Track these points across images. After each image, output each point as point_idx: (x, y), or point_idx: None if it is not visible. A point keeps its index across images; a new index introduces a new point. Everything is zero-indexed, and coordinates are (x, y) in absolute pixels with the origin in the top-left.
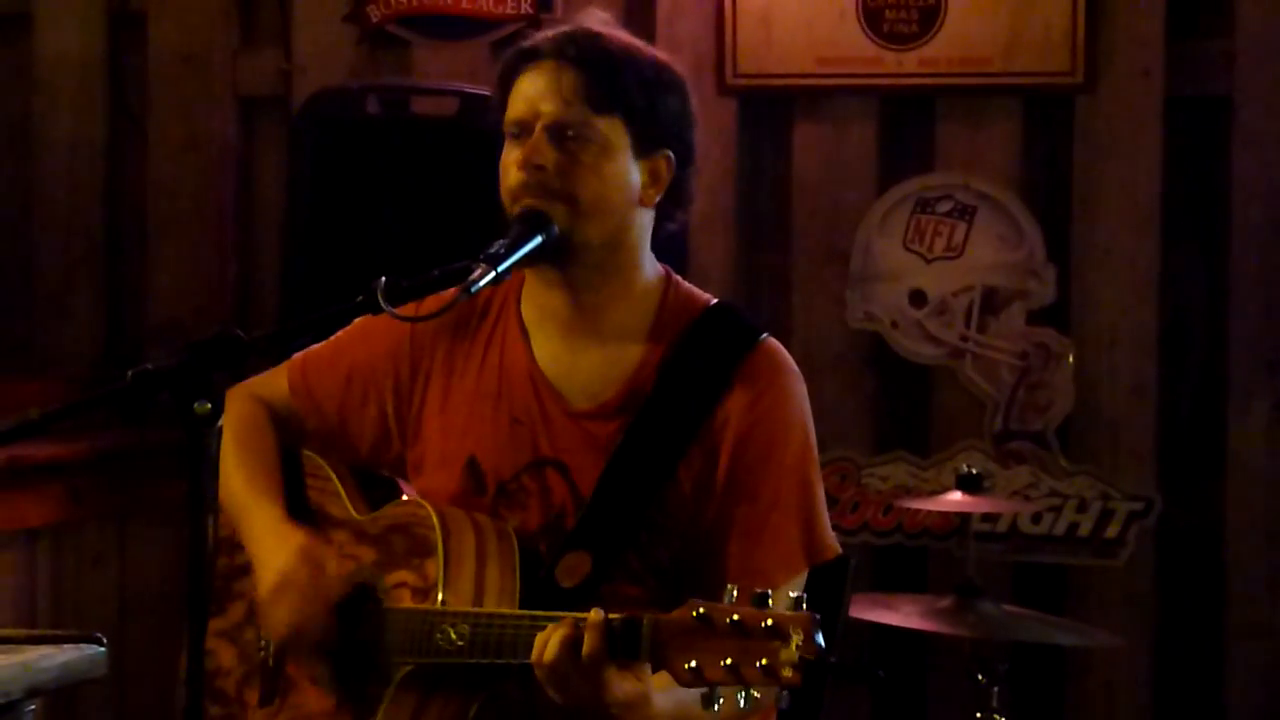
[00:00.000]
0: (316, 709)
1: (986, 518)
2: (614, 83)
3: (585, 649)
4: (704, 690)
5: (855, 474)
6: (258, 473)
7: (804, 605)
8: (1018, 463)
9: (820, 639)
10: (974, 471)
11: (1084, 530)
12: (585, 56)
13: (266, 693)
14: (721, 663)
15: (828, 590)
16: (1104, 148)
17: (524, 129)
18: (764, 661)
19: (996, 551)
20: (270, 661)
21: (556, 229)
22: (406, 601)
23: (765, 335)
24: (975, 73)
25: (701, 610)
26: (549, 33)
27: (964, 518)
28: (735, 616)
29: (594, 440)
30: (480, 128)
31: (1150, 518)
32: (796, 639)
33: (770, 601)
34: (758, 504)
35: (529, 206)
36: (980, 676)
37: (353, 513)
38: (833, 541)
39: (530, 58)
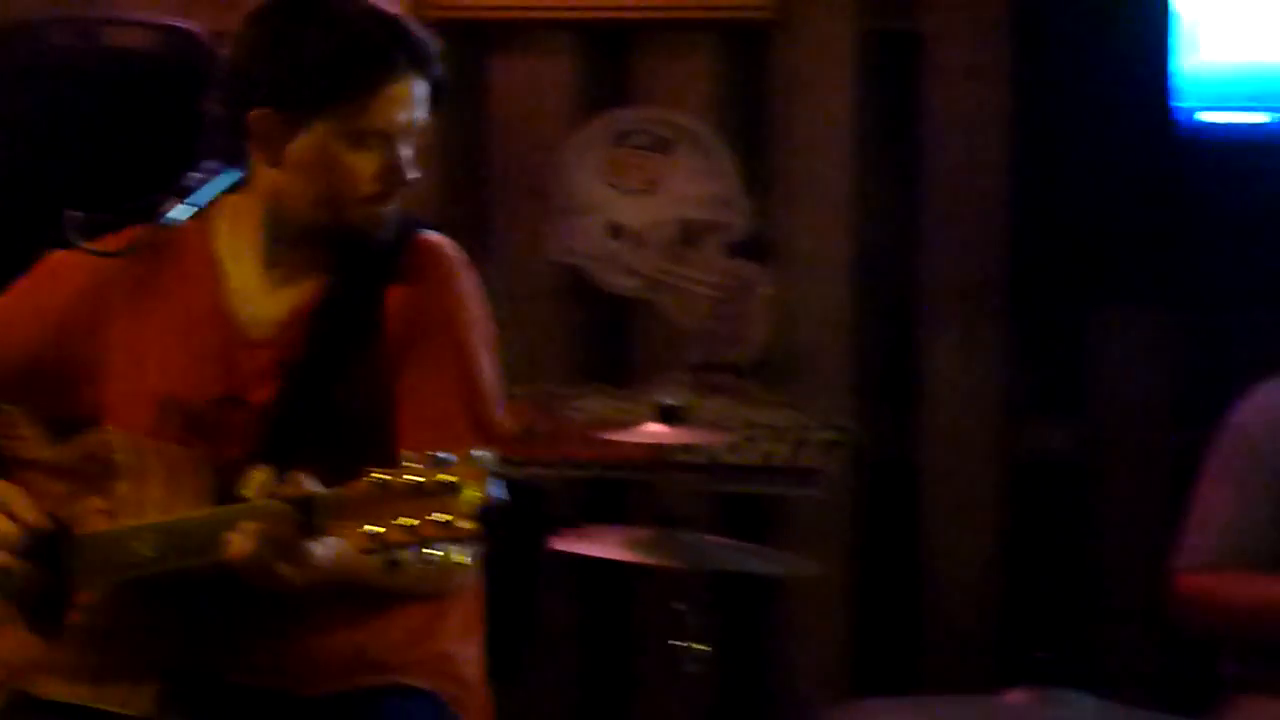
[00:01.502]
0: (15, 645)
1: (686, 448)
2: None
3: (269, 534)
4: (386, 556)
5: (555, 406)
6: None
7: (479, 460)
8: (716, 394)
9: (496, 489)
10: (673, 403)
11: (781, 460)
12: (431, 65)
13: None
14: (399, 523)
15: (528, 522)
16: (798, 81)
17: (385, 138)
18: (440, 516)
19: (695, 482)
20: None
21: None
22: (98, 526)
23: (425, 229)
24: (671, 6)
25: (377, 476)
26: (403, 35)
27: (663, 449)
28: (412, 478)
29: (276, 367)
30: (180, 62)
31: (846, 447)
32: (471, 490)
33: (446, 462)
34: (420, 388)
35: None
36: (680, 605)
37: (43, 452)
38: (503, 422)
39: (400, 67)
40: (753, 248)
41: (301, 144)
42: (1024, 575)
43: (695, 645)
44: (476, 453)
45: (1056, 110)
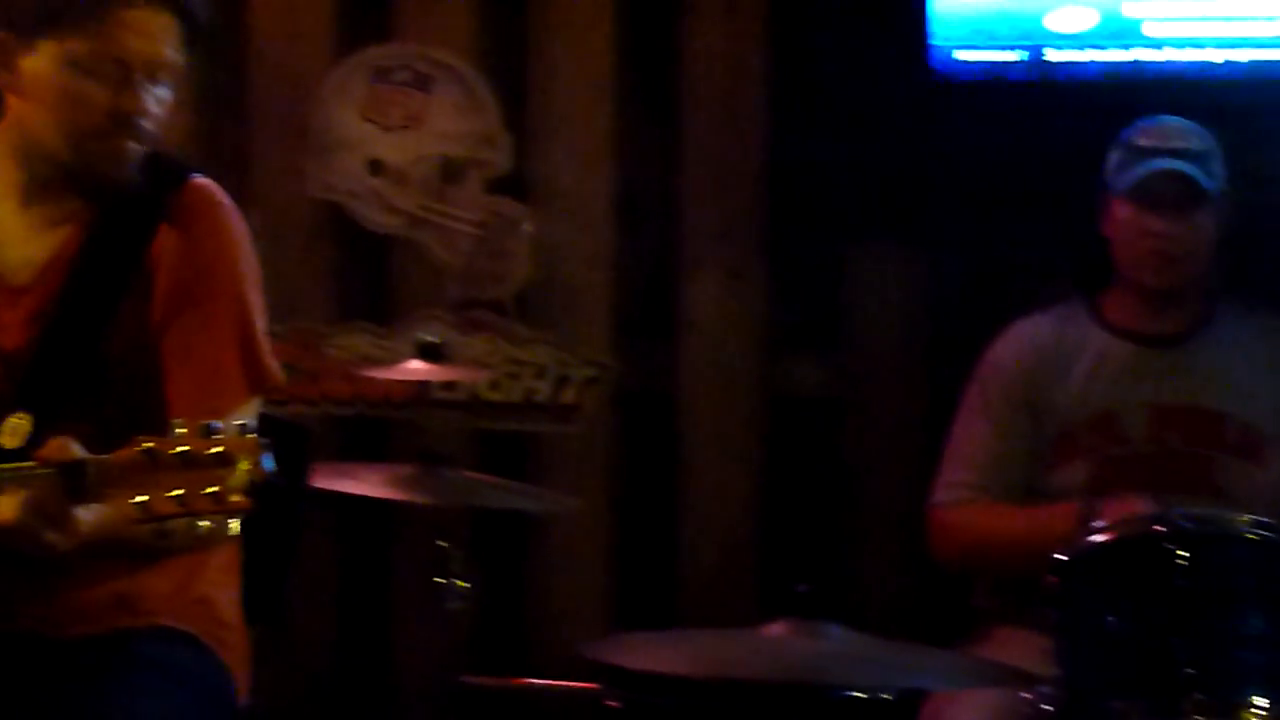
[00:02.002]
0: None
1: (447, 386)
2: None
3: (36, 501)
4: (155, 526)
5: (316, 344)
6: None
7: (250, 432)
8: (477, 331)
9: (268, 462)
10: (434, 340)
11: (542, 397)
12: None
13: None
14: (169, 495)
15: (289, 460)
16: (559, 18)
17: (121, 68)
18: (212, 489)
19: (457, 419)
20: None
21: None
22: None
23: (193, 173)
24: None
25: (147, 445)
26: None
27: (424, 386)
28: (182, 448)
29: (35, 315)
30: None
31: (607, 383)
32: (243, 464)
33: (217, 431)
34: (193, 337)
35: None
36: (442, 542)
37: None
38: (275, 370)
39: None
40: (514, 185)
41: (33, 67)
42: (783, 510)
43: (457, 582)
44: (246, 423)
45: (814, 48)
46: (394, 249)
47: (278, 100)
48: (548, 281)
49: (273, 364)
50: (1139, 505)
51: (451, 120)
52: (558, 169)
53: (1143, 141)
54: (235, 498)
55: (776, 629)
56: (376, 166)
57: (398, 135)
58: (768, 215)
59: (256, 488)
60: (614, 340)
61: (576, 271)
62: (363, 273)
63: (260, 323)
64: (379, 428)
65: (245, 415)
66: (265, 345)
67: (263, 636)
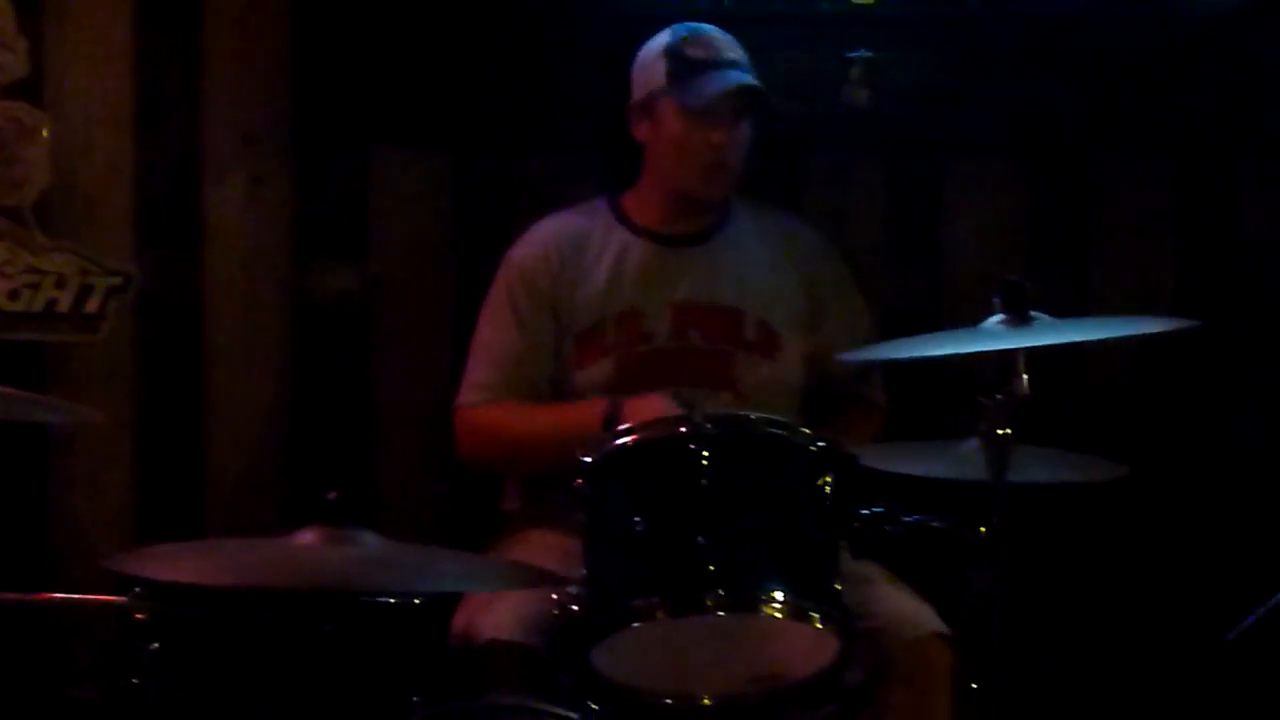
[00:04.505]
0: None
1: None
2: None
3: None
4: None
5: None
6: None
7: None
8: None
9: None
10: None
11: (63, 306)
12: None
13: None
14: None
15: None
16: None
17: None
18: None
19: None
20: None
21: None
22: None
23: None
24: None
25: None
26: None
27: None
28: None
29: None
30: None
31: (129, 291)
32: None
33: None
34: None
35: None
36: None
37: None
38: None
39: None
40: (30, 89)
41: None
42: (311, 418)
43: None
44: None
45: None
46: None
47: None
48: (68, 189)
49: None
50: (659, 402)
51: None
52: (76, 73)
53: (694, 53)
54: None
55: (306, 537)
56: None
57: None
58: (291, 120)
59: None
60: (137, 249)
61: (97, 178)
62: None
63: None
64: None
65: None
66: None
67: None
